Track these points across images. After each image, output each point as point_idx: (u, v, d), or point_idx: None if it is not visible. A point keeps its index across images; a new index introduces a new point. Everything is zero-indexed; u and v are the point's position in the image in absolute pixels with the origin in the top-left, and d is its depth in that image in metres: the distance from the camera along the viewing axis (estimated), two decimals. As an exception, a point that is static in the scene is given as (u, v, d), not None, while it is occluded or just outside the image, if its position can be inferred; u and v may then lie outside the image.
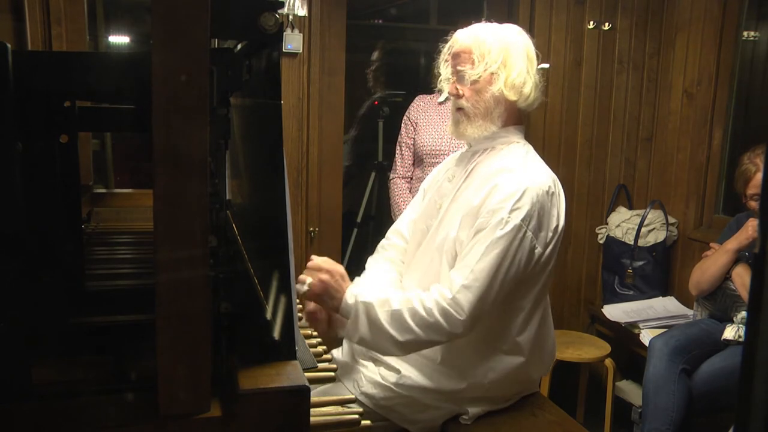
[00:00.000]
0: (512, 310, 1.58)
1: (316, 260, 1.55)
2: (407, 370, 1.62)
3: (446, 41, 1.68)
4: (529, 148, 1.68)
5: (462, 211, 1.58)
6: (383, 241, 1.89)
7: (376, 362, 1.68)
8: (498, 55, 1.57)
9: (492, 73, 1.58)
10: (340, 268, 1.55)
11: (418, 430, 1.65)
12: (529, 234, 1.51)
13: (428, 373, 1.61)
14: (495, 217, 1.50)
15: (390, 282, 1.76)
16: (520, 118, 1.68)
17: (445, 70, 1.68)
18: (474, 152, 1.69)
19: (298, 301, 1.54)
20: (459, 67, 1.61)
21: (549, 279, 1.64)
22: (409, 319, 1.47)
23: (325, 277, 1.50)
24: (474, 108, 1.61)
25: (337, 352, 1.76)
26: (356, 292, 1.51)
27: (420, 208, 1.81)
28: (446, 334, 1.50)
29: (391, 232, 1.87)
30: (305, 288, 1.49)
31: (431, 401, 1.61)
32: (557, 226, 1.57)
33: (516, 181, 1.52)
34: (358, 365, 1.69)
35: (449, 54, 1.66)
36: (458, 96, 1.63)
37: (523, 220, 1.49)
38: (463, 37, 1.62)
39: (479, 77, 1.58)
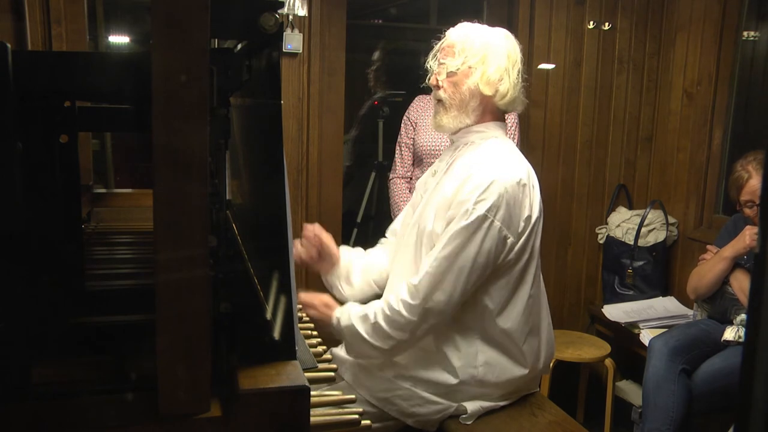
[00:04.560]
0: (491, 299, 1.63)
1: (302, 297, 1.67)
2: (404, 360, 1.67)
3: (440, 38, 1.74)
4: (509, 142, 1.73)
5: (438, 204, 1.64)
6: (381, 239, 1.98)
7: None
8: (478, 51, 1.64)
9: (470, 67, 1.64)
10: (323, 298, 1.69)
11: (415, 423, 1.69)
12: (497, 224, 1.55)
13: (424, 365, 1.66)
14: (462, 208, 1.56)
15: (381, 262, 1.89)
16: (499, 115, 1.73)
17: (433, 64, 1.75)
18: (455, 147, 1.75)
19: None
20: (442, 60, 1.69)
21: (530, 269, 1.67)
22: (386, 326, 1.58)
23: (312, 312, 1.65)
24: (450, 99, 1.67)
25: (337, 349, 1.78)
26: (339, 315, 1.64)
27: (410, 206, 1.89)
28: (415, 326, 1.57)
29: (389, 231, 1.97)
30: None
31: (428, 395, 1.66)
32: (530, 216, 1.62)
33: (485, 173, 1.57)
34: (358, 360, 1.73)
35: (439, 50, 1.73)
36: (437, 87, 1.70)
37: (488, 210, 1.54)
38: (453, 34, 1.70)
39: (457, 69, 1.65)
